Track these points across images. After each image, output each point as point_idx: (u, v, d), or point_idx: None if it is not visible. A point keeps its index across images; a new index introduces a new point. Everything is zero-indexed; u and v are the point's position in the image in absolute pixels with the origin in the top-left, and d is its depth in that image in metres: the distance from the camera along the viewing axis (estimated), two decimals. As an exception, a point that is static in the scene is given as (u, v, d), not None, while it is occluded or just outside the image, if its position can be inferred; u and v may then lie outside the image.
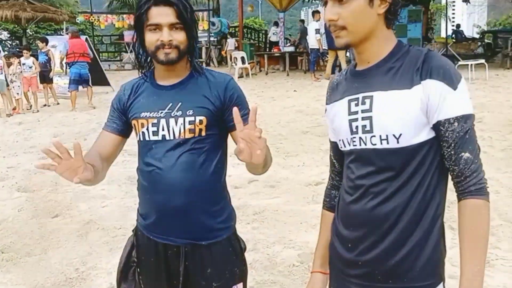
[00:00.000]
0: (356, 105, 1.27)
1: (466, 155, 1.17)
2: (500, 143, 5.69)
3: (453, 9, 45.10)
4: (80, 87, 10.39)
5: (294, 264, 3.29)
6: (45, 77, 10.66)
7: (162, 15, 1.49)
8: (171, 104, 1.56)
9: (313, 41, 12.14)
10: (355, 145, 1.28)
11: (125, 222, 4.02)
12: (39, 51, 10.92)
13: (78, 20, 19.19)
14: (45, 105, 10.68)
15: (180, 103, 1.56)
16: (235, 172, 4.03)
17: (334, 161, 1.49)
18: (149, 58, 1.60)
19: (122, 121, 1.64)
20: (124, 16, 18.64)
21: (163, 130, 1.55)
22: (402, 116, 1.18)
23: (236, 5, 21.90)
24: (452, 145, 1.18)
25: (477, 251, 1.16)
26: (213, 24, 17.15)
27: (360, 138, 1.26)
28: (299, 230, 3.81)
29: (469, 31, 39.72)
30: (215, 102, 1.56)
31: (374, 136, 1.23)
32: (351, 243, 1.32)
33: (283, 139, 6.62)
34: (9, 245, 3.73)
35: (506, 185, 4.40)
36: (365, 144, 1.25)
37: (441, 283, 1.27)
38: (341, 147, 1.36)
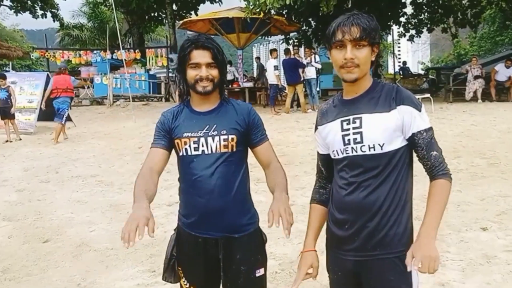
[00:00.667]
0: (348, 123, 1.77)
1: (434, 153, 1.71)
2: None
3: (399, 47, 48.38)
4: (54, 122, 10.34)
5: (277, 272, 3.73)
6: (6, 113, 10.56)
7: (201, 56, 1.95)
8: (208, 126, 2.00)
9: (272, 77, 12.88)
10: (348, 153, 1.77)
11: (115, 244, 4.31)
12: None
13: (33, 56, 19.15)
14: (7, 141, 10.56)
15: (215, 125, 1.99)
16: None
17: (322, 168, 1.98)
18: (188, 89, 2.03)
19: (167, 140, 2.05)
20: (81, 52, 18.79)
21: (202, 146, 1.98)
22: (384, 130, 1.71)
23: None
24: (424, 148, 1.71)
25: (437, 210, 1.68)
26: (172, 60, 17.63)
27: (352, 147, 1.75)
28: (277, 244, 4.26)
29: (414, 68, 42.57)
30: (242, 124, 2.02)
31: (364, 145, 1.73)
32: (348, 225, 1.78)
33: (253, 168, 7.08)
34: (8, 267, 3.93)
35: (451, 201, 5.10)
36: (356, 152, 1.75)
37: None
38: (334, 156, 1.84)
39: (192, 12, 20.95)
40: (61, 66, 11.56)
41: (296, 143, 8.09)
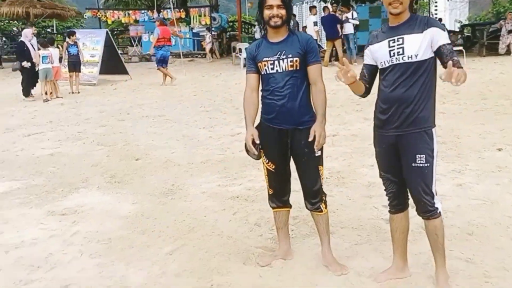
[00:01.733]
0: (393, 42, 2.58)
1: (455, 58, 2.45)
2: (473, 107, 7.28)
3: (436, 6, 47.24)
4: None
5: (327, 177, 4.69)
6: (76, 66, 11.64)
7: (273, 0, 2.82)
8: (279, 52, 2.87)
9: (312, 32, 13.55)
10: (393, 62, 2.58)
11: (194, 161, 5.38)
12: (68, 43, 11.79)
13: (85, 16, 20.30)
14: (71, 92, 11.66)
15: (284, 51, 2.86)
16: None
17: (366, 74, 2.76)
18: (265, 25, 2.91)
19: (255, 65, 2.96)
20: (130, 12, 19.84)
21: (277, 67, 2.87)
22: (418, 45, 2.51)
23: (235, 2, 23.14)
24: (448, 54, 2.46)
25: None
26: (214, 19, 18.45)
27: (396, 58, 2.56)
28: (326, 161, 5.20)
29: (451, 26, 41.62)
30: (302, 49, 2.85)
31: (404, 56, 2.53)
32: (391, 111, 2.62)
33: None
34: (113, 175, 5.05)
35: (474, 131, 5.91)
36: (399, 61, 2.55)
37: (435, 127, 2.64)
38: (382, 66, 2.67)
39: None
40: (160, 18, 13.27)
41: (335, 90, 8.90)
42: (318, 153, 2.93)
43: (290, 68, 2.86)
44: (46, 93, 10.51)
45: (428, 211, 2.61)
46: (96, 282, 2.97)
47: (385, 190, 2.82)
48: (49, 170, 5.33)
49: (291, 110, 2.87)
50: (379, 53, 2.67)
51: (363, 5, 20.13)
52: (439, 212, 2.64)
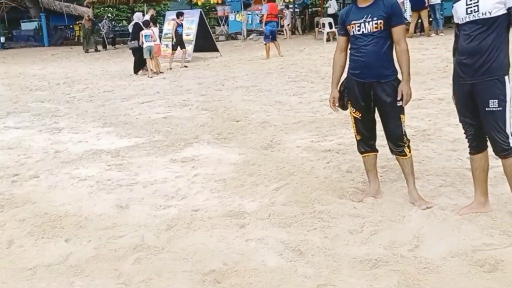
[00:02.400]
0: (470, 1, 2.96)
1: None
2: None
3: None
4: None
5: (413, 134, 5.07)
6: (183, 44, 12.84)
7: None
8: (365, 15, 3.31)
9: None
10: (469, 18, 2.99)
11: (288, 122, 6.00)
12: (177, 23, 12.81)
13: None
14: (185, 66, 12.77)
15: (370, 15, 3.29)
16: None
17: (457, 31, 3.15)
18: None
19: (344, 29, 3.45)
20: (218, -9, 20.85)
21: (363, 28, 3.31)
22: (492, 3, 2.87)
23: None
24: None
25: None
26: (298, -4, 18.78)
27: (473, 15, 2.97)
28: (411, 120, 5.56)
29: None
30: (386, 12, 3.25)
31: (479, 13, 2.92)
32: (468, 60, 3.01)
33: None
34: (218, 134, 5.82)
35: None
36: (474, 17, 2.96)
37: (508, 75, 2.98)
38: (460, 22, 3.05)
39: None
40: None
41: (421, 59, 9.07)
42: (400, 103, 3.33)
43: (375, 29, 3.29)
44: (151, 69, 11.70)
45: (503, 149, 2.97)
46: (219, 208, 3.70)
47: (464, 133, 3.21)
48: (165, 129, 6.24)
49: (374, 65, 3.31)
50: (459, 10, 3.05)
51: None
52: None
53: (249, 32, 18.39)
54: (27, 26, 28.34)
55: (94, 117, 7.37)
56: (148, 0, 22.58)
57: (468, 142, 3.22)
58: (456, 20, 3.15)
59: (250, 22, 18.44)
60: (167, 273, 2.79)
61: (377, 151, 3.65)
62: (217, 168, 4.60)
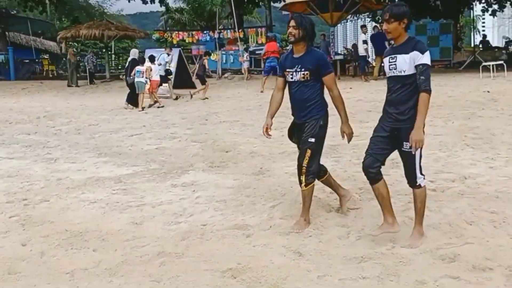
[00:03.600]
0: (391, 59, 3.46)
1: (422, 77, 3.30)
2: (509, 112, 8.28)
3: (483, 22, 47.26)
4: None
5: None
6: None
7: (290, 23, 3.83)
8: (296, 65, 3.84)
9: (362, 49, 14.77)
10: (390, 74, 3.49)
11: (274, 151, 6.69)
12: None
13: (154, 37, 22.45)
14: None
15: (300, 65, 3.82)
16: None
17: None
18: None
19: (282, 71, 4.00)
20: (194, 32, 21.82)
21: (294, 76, 3.85)
22: (406, 63, 3.37)
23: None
24: (418, 73, 3.31)
25: (422, 112, 3.31)
26: (269, 37, 19.90)
27: (392, 71, 3.45)
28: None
29: (499, 42, 41.46)
30: (313, 64, 3.77)
31: (397, 70, 3.42)
32: (391, 109, 3.48)
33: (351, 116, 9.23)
34: (212, 161, 6.43)
35: (506, 129, 6.93)
36: (393, 73, 3.46)
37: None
38: (386, 75, 3.60)
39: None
40: (270, 36, 15.70)
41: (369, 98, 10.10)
42: (311, 140, 3.86)
43: (302, 79, 3.84)
44: (140, 105, 12.35)
45: (412, 185, 3.59)
46: (225, 222, 4.29)
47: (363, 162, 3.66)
48: (160, 159, 6.81)
49: (303, 109, 3.87)
50: (385, 66, 3.62)
51: (433, 21, 21.09)
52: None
53: (224, 71, 19.33)
54: None
55: (87, 148, 7.82)
56: (122, 37, 23.26)
57: (370, 174, 3.63)
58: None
59: (224, 61, 19.42)
60: (191, 271, 3.35)
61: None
62: (216, 191, 5.20)
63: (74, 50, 21.74)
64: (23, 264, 3.60)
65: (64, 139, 8.76)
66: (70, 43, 26.19)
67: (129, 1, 29.40)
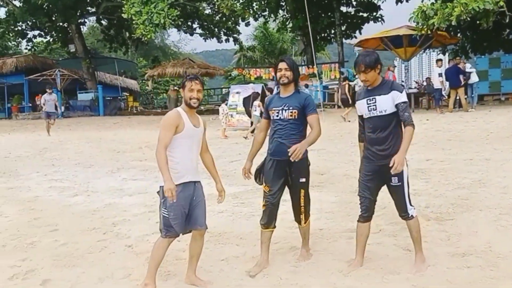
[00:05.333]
0: (369, 100, 3.69)
1: (406, 114, 3.58)
2: None
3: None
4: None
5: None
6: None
7: (282, 65, 3.92)
8: (284, 104, 3.90)
9: (437, 82, 15.31)
10: (370, 115, 3.69)
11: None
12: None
13: (233, 74, 24.20)
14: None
15: (287, 104, 3.89)
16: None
17: (361, 122, 3.85)
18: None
19: (267, 113, 4.05)
20: (270, 69, 23.28)
21: (281, 115, 3.89)
22: (386, 103, 3.62)
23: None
24: (401, 110, 3.58)
25: (406, 142, 3.52)
26: (342, 73, 20.91)
27: (372, 112, 3.66)
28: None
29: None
30: (300, 104, 3.85)
31: (377, 110, 3.65)
32: (376, 148, 3.70)
33: (433, 145, 9.86)
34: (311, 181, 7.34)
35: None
36: (374, 114, 3.67)
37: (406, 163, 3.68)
38: (364, 116, 3.75)
39: (357, 31, 24.23)
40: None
41: (464, 130, 10.65)
42: (302, 180, 4.02)
43: (290, 117, 3.91)
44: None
45: (403, 216, 3.85)
46: (338, 227, 5.16)
47: (360, 204, 3.96)
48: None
49: (286, 146, 3.82)
50: (361, 107, 3.80)
51: (483, 56, 21.28)
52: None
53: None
54: (84, 96, 30.29)
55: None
56: (202, 74, 25.13)
57: (361, 212, 3.94)
58: (358, 113, 3.90)
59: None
60: (319, 261, 4.25)
61: (274, 227, 4.20)
62: (322, 204, 6.10)
63: (175, 86, 23.32)
64: (185, 254, 4.67)
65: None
66: (157, 80, 28.55)
67: (205, 41, 31.85)
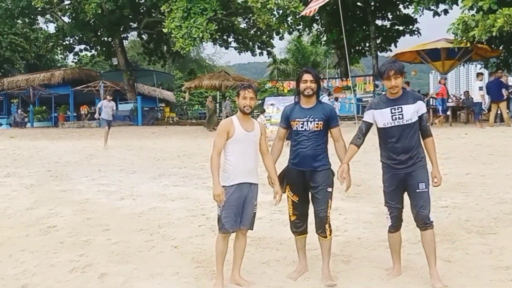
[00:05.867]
0: (394, 110, 3.78)
1: (427, 124, 3.86)
2: None
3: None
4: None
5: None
6: None
7: (307, 76, 3.93)
8: (308, 115, 3.91)
9: (478, 96, 15.06)
10: (394, 124, 3.76)
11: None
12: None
13: (266, 86, 24.54)
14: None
15: (312, 115, 3.91)
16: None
17: (363, 128, 3.93)
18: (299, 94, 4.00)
19: (287, 123, 4.05)
20: (303, 82, 23.48)
21: (306, 126, 3.90)
22: (412, 112, 3.77)
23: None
24: (424, 120, 3.83)
25: (435, 155, 3.87)
26: (377, 86, 20.88)
27: (398, 121, 3.75)
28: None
29: None
30: (325, 115, 3.90)
31: (403, 119, 3.75)
32: (401, 156, 3.79)
33: (473, 159, 9.74)
34: (347, 193, 7.43)
35: None
36: (400, 123, 3.76)
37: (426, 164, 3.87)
38: (384, 126, 3.80)
39: (392, 44, 24.13)
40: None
41: (506, 145, 10.46)
42: (329, 189, 4.02)
43: (315, 129, 3.94)
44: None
45: (425, 223, 3.85)
46: (376, 237, 5.24)
47: (389, 215, 3.99)
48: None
49: (313, 157, 3.94)
50: (380, 116, 3.85)
51: None
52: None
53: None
54: (124, 107, 31.11)
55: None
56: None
57: (392, 222, 3.98)
58: (367, 120, 3.96)
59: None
60: (359, 267, 4.35)
61: (306, 233, 4.26)
62: (359, 215, 6.19)
63: (212, 98, 23.83)
64: (229, 256, 4.85)
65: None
66: (191, 92, 29.23)
67: (239, 54, 32.31)
